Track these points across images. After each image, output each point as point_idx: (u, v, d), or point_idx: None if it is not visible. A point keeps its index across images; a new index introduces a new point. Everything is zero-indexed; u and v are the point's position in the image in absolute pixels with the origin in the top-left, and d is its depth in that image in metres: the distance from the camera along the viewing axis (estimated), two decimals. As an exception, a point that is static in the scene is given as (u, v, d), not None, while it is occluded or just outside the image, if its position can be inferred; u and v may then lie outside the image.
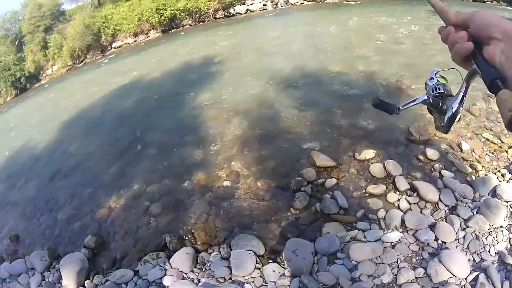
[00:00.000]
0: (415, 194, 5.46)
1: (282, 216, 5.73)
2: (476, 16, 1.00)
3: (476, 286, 4.24)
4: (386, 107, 1.36)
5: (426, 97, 1.29)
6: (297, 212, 5.71)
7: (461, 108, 1.23)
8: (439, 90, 1.32)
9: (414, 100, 1.34)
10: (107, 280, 5.24)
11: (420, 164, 6.14)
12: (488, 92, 0.99)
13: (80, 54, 28.61)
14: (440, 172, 5.81)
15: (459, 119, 1.27)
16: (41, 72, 29.34)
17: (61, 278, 5.49)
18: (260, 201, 6.17)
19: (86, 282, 5.39)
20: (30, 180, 9.98)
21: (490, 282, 4.26)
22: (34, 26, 29.86)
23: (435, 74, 1.38)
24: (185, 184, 7.09)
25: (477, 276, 4.32)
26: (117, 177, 8.25)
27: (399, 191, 5.57)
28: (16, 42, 29.95)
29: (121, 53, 26.42)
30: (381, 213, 5.30)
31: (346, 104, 8.76)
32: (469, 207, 5.15)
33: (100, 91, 16.14)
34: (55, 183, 9.22)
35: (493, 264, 4.46)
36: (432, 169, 5.95)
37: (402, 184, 5.61)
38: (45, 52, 29.17)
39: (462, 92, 1.21)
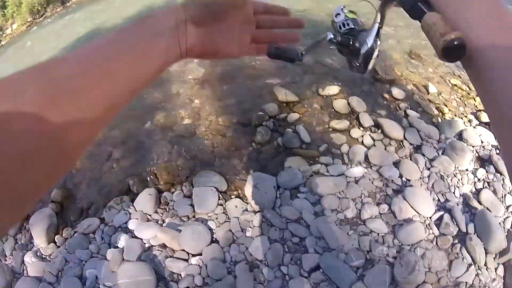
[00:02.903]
0: (380, 131, 5.36)
1: (244, 152, 5.59)
2: None
3: (440, 226, 4.24)
4: (284, 54, 1.07)
5: (332, 35, 1.12)
6: (259, 146, 5.57)
7: (378, 42, 1.10)
8: (348, 25, 1.18)
9: (319, 41, 1.15)
10: (75, 232, 5.02)
11: (385, 102, 6.04)
12: None
13: (39, 8, 27.48)
14: (405, 112, 5.73)
15: (377, 55, 1.12)
16: (1, 33, 28.15)
17: (33, 238, 5.24)
18: (221, 137, 5.98)
19: (56, 237, 5.13)
20: None
21: (455, 223, 4.26)
22: (-11, -14, 28.54)
23: (342, 9, 1.24)
24: (147, 126, 6.80)
25: (441, 216, 4.32)
26: None
27: (363, 127, 5.45)
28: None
29: (81, 3, 25.44)
30: (345, 148, 5.20)
31: (310, 41, 8.46)
32: (434, 148, 5.11)
33: (61, 44, 15.47)
34: None
35: (458, 205, 4.45)
36: (397, 108, 5.86)
37: (366, 120, 5.49)
38: (3, 12, 27.99)
39: (377, 23, 1.08)
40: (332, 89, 6.33)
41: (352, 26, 1.16)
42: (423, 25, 0.74)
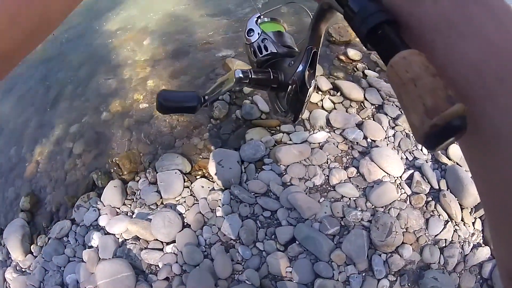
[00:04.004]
0: (339, 93, 5.29)
1: (203, 129, 5.47)
2: None
3: (412, 184, 4.24)
4: (179, 103, 0.82)
5: (241, 74, 0.79)
6: (218, 121, 5.46)
7: (312, 81, 0.81)
8: (267, 50, 0.87)
9: (224, 82, 0.83)
10: (49, 238, 4.86)
11: (342, 64, 5.96)
12: None
13: None
14: (363, 72, 5.68)
15: (311, 93, 0.84)
16: None
17: (9, 253, 5.06)
18: (179, 116, 5.83)
19: (32, 247, 4.97)
20: None
21: (426, 180, 4.27)
22: None
23: (257, 21, 0.93)
24: (104, 115, 6.62)
25: (412, 174, 4.33)
26: (37, 127, 7.60)
27: (321, 91, 5.36)
28: None
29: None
30: (305, 114, 5.11)
31: (259, 9, 8.35)
32: (396, 106, 5.06)
33: None
34: None
35: (427, 162, 4.46)
36: (355, 69, 5.81)
37: (324, 84, 5.40)
38: None
39: (308, 47, 0.76)
40: None
41: (274, 50, 0.87)
42: (389, 72, 0.46)
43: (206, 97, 0.84)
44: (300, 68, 0.78)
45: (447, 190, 4.23)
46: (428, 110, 0.38)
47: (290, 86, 0.81)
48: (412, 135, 4.64)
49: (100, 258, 4.24)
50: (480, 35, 0.42)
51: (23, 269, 4.82)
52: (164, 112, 0.82)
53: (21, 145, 7.51)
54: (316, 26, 0.71)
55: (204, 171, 4.87)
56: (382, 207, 4.10)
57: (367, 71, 5.68)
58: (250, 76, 0.80)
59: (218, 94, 0.87)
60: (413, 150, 4.60)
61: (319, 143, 4.70)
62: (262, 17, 0.95)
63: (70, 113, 7.45)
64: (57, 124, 7.30)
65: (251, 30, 0.92)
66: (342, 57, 6.03)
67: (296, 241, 3.91)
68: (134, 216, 4.53)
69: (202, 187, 4.54)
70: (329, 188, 4.30)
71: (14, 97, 9.90)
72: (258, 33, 0.89)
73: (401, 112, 4.90)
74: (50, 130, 7.25)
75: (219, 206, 4.30)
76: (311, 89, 0.81)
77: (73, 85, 8.42)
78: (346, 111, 5.06)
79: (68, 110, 7.59)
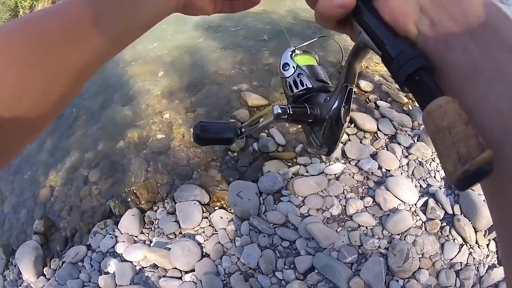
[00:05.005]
0: (353, 125, 5.37)
1: (221, 161, 5.58)
2: None
3: (426, 211, 4.30)
4: (216, 135, 0.85)
5: (280, 110, 0.78)
6: (235, 154, 5.56)
7: (347, 117, 0.79)
8: (303, 85, 0.86)
9: (263, 117, 0.84)
10: (63, 262, 4.93)
11: (354, 96, 5.99)
12: None
13: None
14: (375, 103, 5.78)
15: (345, 129, 0.82)
16: None
17: (21, 273, 5.13)
18: (196, 148, 5.95)
19: (44, 269, 5.04)
20: None
21: (440, 206, 4.34)
22: None
23: (291, 55, 0.91)
24: (120, 145, 6.75)
25: (426, 201, 4.39)
26: (52, 152, 7.74)
27: (335, 122, 5.42)
28: None
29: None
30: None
31: (273, 43, 8.60)
32: (409, 135, 5.17)
33: None
34: None
35: (440, 189, 4.52)
36: (367, 100, 5.90)
37: (338, 116, 5.46)
38: None
39: (344, 84, 0.74)
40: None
41: (309, 85, 0.86)
42: (426, 119, 0.46)
43: (243, 129, 0.87)
44: (336, 104, 0.77)
45: (461, 214, 4.28)
46: (461, 158, 0.41)
47: (326, 122, 0.80)
48: (425, 162, 4.78)
49: (116, 284, 4.31)
50: (507, 83, 0.44)
51: (35, 291, 4.88)
52: (201, 144, 0.85)
53: (35, 168, 7.63)
54: (351, 64, 0.70)
55: (222, 202, 4.94)
56: (399, 234, 4.16)
57: (379, 102, 5.78)
58: (288, 112, 0.79)
59: (255, 128, 0.88)
60: (426, 178, 4.66)
61: (335, 174, 4.77)
62: (296, 50, 0.93)
63: (85, 140, 7.57)
64: (72, 150, 7.41)
65: (286, 64, 0.91)
66: (355, 89, 6.07)
67: (315, 270, 3.95)
68: (152, 244, 4.60)
69: (221, 218, 4.61)
70: (346, 218, 4.37)
71: None
72: (293, 67, 0.89)
73: (414, 141, 5.04)
74: (65, 156, 7.37)
75: (238, 237, 4.37)
76: (345, 125, 0.80)
77: (89, 113, 8.55)
78: (360, 142, 5.14)
79: (83, 136, 7.71)
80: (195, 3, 0.72)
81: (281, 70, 0.90)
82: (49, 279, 4.84)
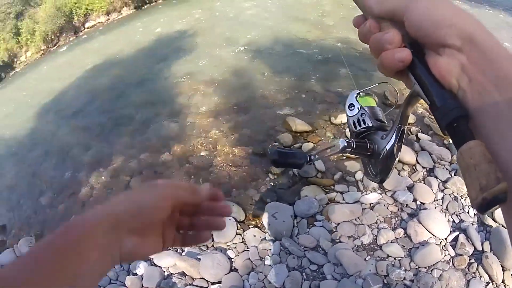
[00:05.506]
0: (392, 155, 5.38)
1: (260, 182, 5.73)
2: (415, 5, 0.63)
3: (456, 246, 4.28)
4: (290, 160, 0.95)
5: (346, 143, 0.92)
6: (275, 177, 5.71)
7: (399, 153, 0.91)
8: (365, 123, 0.99)
9: (330, 148, 0.97)
10: None
11: (397, 127, 6.06)
12: None
13: (53, 37, 27.97)
14: (417, 135, 5.81)
15: (396, 163, 0.94)
16: (15, 60, 28.64)
17: None
18: (238, 168, 6.14)
19: None
20: (11, 169, 9.78)
21: (470, 242, 4.31)
22: (4, 13, 29.10)
23: (356, 98, 1.05)
24: (163, 157, 7.02)
25: (457, 236, 4.37)
26: (96, 156, 8.16)
27: (375, 152, 5.47)
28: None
29: (94, 32, 25.93)
30: (359, 175, 5.30)
31: (320, 70, 8.76)
32: (446, 169, 5.17)
33: (75, 73, 15.82)
34: (36, 169, 9.05)
35: (472, 225, 4.50)
36: (409, 132, 5.92)
37: (378, 146, 5.51)
38: (17, 39, 28.50)
39: (398, 125, 0.88)
40: (344, 117, 6.28)
41: (370, 124, 0.98)
42: (459, 157, 0.58)
43: (312, 157, 0.97)
44: (391, 142, 0.89)
45: (490, 251, 4.23)
46: (482, 188, 0.52)
47: (381, 155, 0.91)
48: (460, 197, 4.77)
49: (143, 286, 4.50)
50: None
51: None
52: (276, 166, 0.98)
53: (76, 168, 8.05)
54: (405, 108, 0.83)
55: (257, 221, 5.08)
56: (426, 267, 4.15)
57: (420, 134, 5.81)
58: (352, 146, 0.93)
59: (322, 156, 1.02)
60: (460, 213, 4.65)
61: (370, 203, 4.84)
62: (360, 93, 1.06)
63: (130, 148, 7.89)
64: (116, 156, 7.76)
65: (352, 104, 1.03)
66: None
67: (339, 296, 4.00)
68: (183, 253, 4.75)
69: (254, 236, 4.75)
70: (376, 247, 4.41)
71: (77, 124, 10.65)
72: (358, 108, 1.02)
73: (451, 175, 5.05)
74: (108, 161, 7.71)
75: (268, 255, 4.47)
76: (397, 160, 0.92)
77: (136, 123, 8.92)
78: (398, 174, 5.18)
79: (129, 145, 8.07)
80: (137, 252, 0.74)
81: (347, 109, 1.03)
82: (78, 271, 5.07)
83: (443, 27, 0.60)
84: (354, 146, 0.92)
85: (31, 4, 30.00)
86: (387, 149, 0.89)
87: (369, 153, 0.94)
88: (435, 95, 0.64)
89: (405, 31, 0.65)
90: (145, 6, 27.38)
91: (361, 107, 1.01)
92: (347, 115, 1.03)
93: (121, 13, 28.16)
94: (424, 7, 0.62)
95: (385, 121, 1.01)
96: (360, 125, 0.98)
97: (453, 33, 0.58)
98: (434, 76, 0.63)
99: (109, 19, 28.37)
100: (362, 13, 0.76)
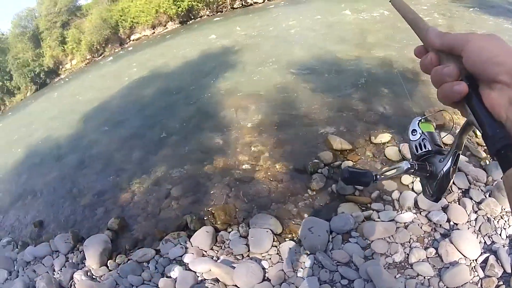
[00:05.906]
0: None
1: (299, 197, 5.92)
2: (472, 43, 0.71)
3: (486, 267, 4.30)
4: (359, 178, 1.07)
5: (409, 165, 1.04)
6: (314, 193, 5.89)
7: (454, 175, 1.01)
8: (425, 148, 1.09)
9: (396, 169, 1.06)
10: (129, 259, 5.51)
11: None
12: None
13: (98, 47, 29.02)
14: (454, 156, 5.79)
15: (451, 184, 1.06)
16: (60, 67, 29.89)
17: (85, 259, 5.79)
18: (278, 183, 6.36)
19: (108, 261, 5.67)
20: (53, 170, 10.40)
21: (500, 264, 4.31)
22: (51, 22, 30.40)
23: (418, 124, 1.15)
24: (206, 168, 7.33)
25: (487, 258, 4.39)
26: (139, 163, 8.57)
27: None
28: (34, 39, 30.35)
29: (139, 45, 26.69)
30: (395, 195, 5.40)
31: (362, 89, 8.92)
32: (481, 190, 5.19)
33: (120, 83, 16.45)
34: (77, 171, 9.60)
35: (503, 247, 4.50)
36: (446, 152, 5.93)
37: (416, 166, 5.58)
38: (63, 47, 29.63)
39: (454, 150, 0.98)
40: (384, 137, 6.60)
41: (430, 148, 1.08)
42: (504, 180, 0.65)
43: (378, 176, 1.07)
44: (448, 165, 0.99)
45: (520, 274, 4.23)
46: None
47: (438, 177, 1.01)
48: (493, 219, 4.76)
49: (175, 288, 4.72)
50: None
51: (93, 276, 5.46)
52: (346, 183, 1.08)
53: (119, 173, 8.48)
54: (461, 135, 0.92)
55: (294, 235, 5.26)
56: None
57: (458, 155, 5.77)
58: (415, 167, 1.02)
59: (387, 176, 1.09)
60: (492, 234, 4.65)
61: (404, 222, 4.92)
62: (421, 121, 1.14)
63: (173, 158, 8.25)
64: (159, 165, 8.13)
65: (414, 130, 1.12)
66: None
67: (368, 311, 4.09)
68: (219, 261, 4.97)
69: (289, 248, 4.90)
70: (406, 266, 4.48)
71: (122, 132, 11.23)
72: (420, 133, 1.10)
73: (485, 196, 5.05)
74: (151, 169, 8.09)
75: (302, 268, 4.62)
76: (452, 181, 1.01)
77: (180, 135, 9.34)
78: (435, 194, 5.19)
79: (172, 155, 8.44)
80: None
81: (410, 134, 1.13)
82: (111, 270, 5.45)
83: (495, 65, 0.67)
84: (416, 167, 1.03)
85: (77, 14, 31.19)
86: (444, 171, 0.99)
87: (427, 174, 1.04)
88: (487, 125, 0.71)
89: (462, 65, 0.73)
90: (190, 22, 28.15)
91: (422, 132, 1.11)
92: (409, 139, 1.14)
93: (166, 27, 29.02)
94: (479, 45, 0.70)
95: (442, 146, 1.11)
96: (421, 149, 1.09)
97: (504, 71, 0.66)
98: (487, 108, 0.71)
99: (154, 32, 29.29)
100: (422, 44, 0.86)
